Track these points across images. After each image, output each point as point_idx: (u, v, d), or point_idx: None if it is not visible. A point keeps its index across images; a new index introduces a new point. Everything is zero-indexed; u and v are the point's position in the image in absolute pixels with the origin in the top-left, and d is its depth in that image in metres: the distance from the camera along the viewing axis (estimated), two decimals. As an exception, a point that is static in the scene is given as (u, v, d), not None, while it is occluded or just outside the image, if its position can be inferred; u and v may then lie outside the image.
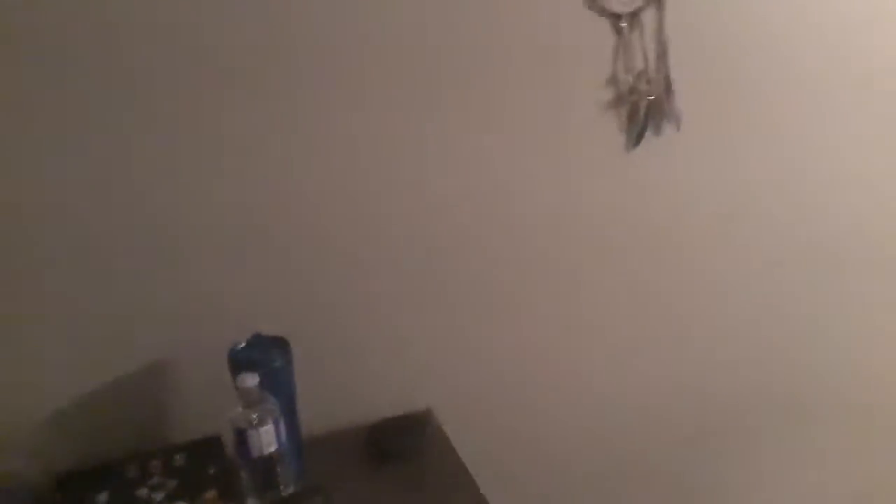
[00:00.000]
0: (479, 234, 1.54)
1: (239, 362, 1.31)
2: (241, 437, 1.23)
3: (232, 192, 1.39)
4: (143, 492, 1.28)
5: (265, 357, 1.32)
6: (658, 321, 1.71)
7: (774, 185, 1.71)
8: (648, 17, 1.49)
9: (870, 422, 1.93)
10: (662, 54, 1.51)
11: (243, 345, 1.35)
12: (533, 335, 1.64)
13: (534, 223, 1.57)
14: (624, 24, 1.46)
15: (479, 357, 1.62)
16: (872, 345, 1.89)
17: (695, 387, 1.77)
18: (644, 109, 1.52)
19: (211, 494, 1.28)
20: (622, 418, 1.74)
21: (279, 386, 1.31)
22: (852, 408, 1.91)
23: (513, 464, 1.63)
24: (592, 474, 1.74)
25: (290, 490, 1.27)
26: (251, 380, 1.24)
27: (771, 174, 1.70)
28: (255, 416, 1.23)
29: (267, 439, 1.24)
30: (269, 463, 1.25)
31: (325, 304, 1.51)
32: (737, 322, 1.77)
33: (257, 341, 1.36)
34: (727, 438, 1.83)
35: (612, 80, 1.50)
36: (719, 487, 1.85)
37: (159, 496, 1.27)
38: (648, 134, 1.55)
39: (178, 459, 1.35)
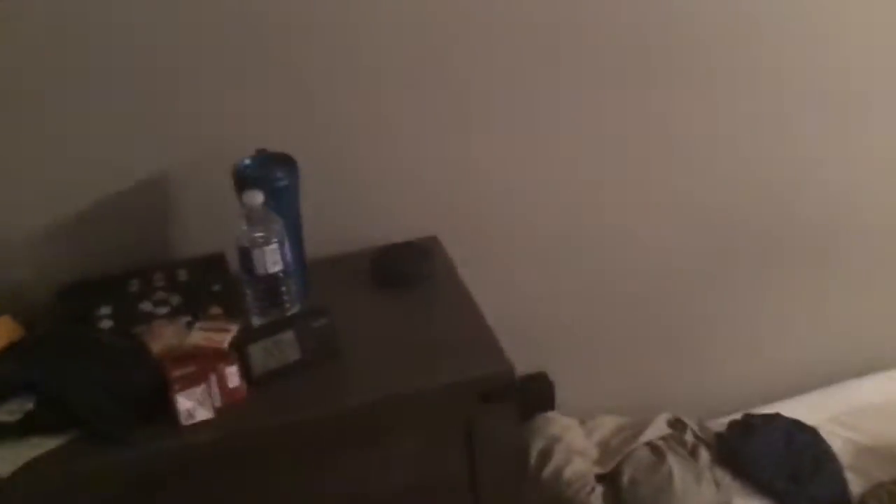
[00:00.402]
0: (488, 54, 1.45)
1: (244, 179, 1.25)
2: (246, 255, 1.20)
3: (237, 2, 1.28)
4: (146, 305, 1.27)
5: (271, 174, 1.26)
6: (673, 144, 1.64)
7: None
8: None
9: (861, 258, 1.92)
10: None
11: (248, 161, 1.28)
12: (541, 162, 1.58)
13: (541, 37, 1.46)
14: None
15: (487, 187, 1.56)
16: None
17: (703, 218, 1.73)
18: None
19: (215, 310, 1.26)
20: (631, 250, 1.72)
21: (285, 205, 1.26)
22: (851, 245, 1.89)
23: (516, 295, 1.62)
24: (600, 303, 1.74)
25: (294, 310, 1.25)
26: (257, 197, 1.18)
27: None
28: (260, 235, 1.19)
29: (272, 258, 1.21)
30: (273, 282, 1.22)
31: (331, 125, 1.43)
32: (753, 149, 1.71)
33: (263, 158, 1.29)
34: (726, 269, 1.83)
35: None
36: (715, 317, 1.86)
37: (163, 310, 1.26)
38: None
39: (181, 275, 1.33)
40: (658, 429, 1.64)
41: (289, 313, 1.25)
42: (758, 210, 1.76)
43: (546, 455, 1.57)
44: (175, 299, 1.28)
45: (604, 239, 1.69)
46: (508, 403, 1.13)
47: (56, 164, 1.33)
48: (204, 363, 1.08)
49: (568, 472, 1.54)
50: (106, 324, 1.23)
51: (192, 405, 1.05)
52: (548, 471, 1.55)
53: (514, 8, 1.43)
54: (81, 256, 1.38)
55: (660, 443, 1.61)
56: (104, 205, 1.37)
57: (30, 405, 1.04)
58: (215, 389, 1.07)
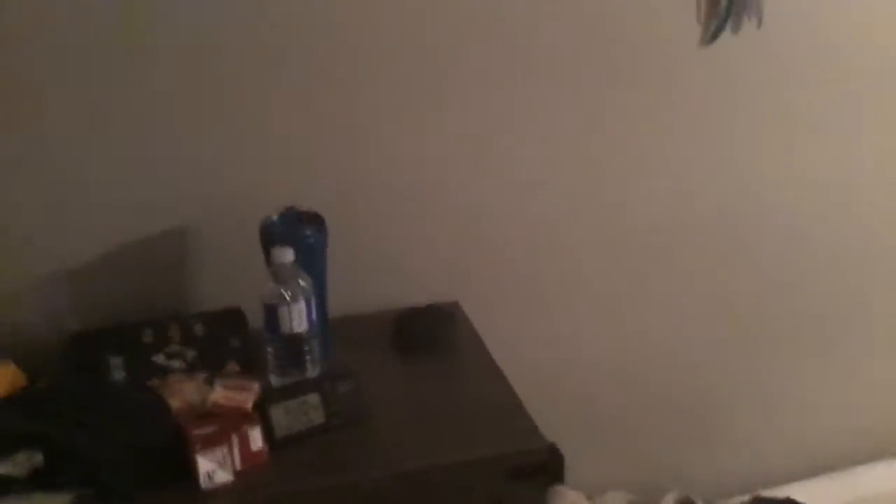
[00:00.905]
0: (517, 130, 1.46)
1: (272, 235, 1.22)
2: (272, 312, 1.17)
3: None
4: (160, 358, 1.22)
5: (300, 232, 1.23)
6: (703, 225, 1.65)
7: (862, 94, 1.61)
8: None
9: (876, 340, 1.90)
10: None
11: (277, 217, 1.26)
12: (560, 232, 1.57)
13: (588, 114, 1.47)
14: None
15: (508, 254, 1.55)
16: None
17: (716, 299, 1.72)
18: (726, 1, 1.39)
19: (232, 367, 1.22)
20: (646, 326, 1.70)
21: (312, 263, 1.23)
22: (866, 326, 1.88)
23: (528, 365, 1.59)
24: (620, 371, 1.71)
25: (315, 371, 1.21)
26: (287, 255, 1.16)
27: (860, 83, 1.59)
28: (287, 293, 1.16)
29: (298, 317, 1.17)
30: (297, 341, 1.18)
31: (357, 186, 1.42)
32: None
33: (291, 215, 1.27)
34: (741, 347, 1.80)
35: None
36: (728, 395, 1.84)
37: (178, 364, 1.21)
38: (727, 29, 1.42)
39: (197, 328, 1.28)
40: (667, 508, 1.60)
41: (309, 374, 1.21)
42: (771, 292, 1.76)
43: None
44: (191, 353, 1.23)
45: (618, 314, 1.67)
46: (539, 481, 1.08)
47: (71, 210, 1.29)
48: (225, 423, 1.03)
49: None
50: (118, 375, 1.18)
51: (213, 467, 0.99)
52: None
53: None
54: (93, 304, 1.33)
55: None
56: (118, 253, 1.33)
57: (38, 458, 0.98)
58: (236, 451, 1.02)
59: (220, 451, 1.00)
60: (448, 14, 1.35)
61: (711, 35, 1.43)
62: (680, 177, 1.59)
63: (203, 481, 0.99)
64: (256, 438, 1.04)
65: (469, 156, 1.46)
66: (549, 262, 1.58)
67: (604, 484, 1.70)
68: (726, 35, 1.44)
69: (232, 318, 1.31)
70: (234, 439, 1.02)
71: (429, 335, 1.35)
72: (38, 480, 0.97)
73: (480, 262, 1.53)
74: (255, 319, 1.26)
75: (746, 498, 1.70)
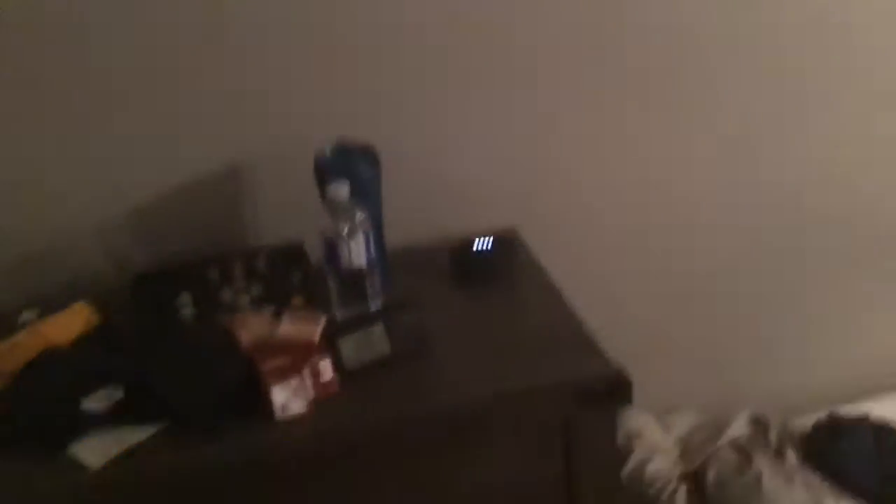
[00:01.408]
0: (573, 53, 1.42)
1: (326, 169, 1.22)
2: (331, 247, 1.17)
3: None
4: (226, 294, 1.24)
5: (354, 166, 1.23)
6: (758, 122, 1.59)
7: None
8: None
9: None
10: None
11: (330, 151, 1.25)
12: (616, 157, 1.54)
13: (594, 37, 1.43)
14: None
15: (566, 179, 1.53)
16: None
17: (792, 203, 1.67)
18: None
19: (298, 301, 1.23)
20: (712, 241, 1.66)
21: (367, 197, 1.22)
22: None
23: (591, 288, 1.57)
24: (686, 291, 1.69)
25: (377, 303, 1.22)
26: (343, 190, 1.15)
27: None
28: (346, 228, 1.16)
29: (356, 251, 1.18)
30: (358, 275, 1.19)
31: (412, 115, 1.40)
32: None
33: (344, 148, 1.26)
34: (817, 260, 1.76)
35: None
36: (802, 308, 1.80)
37: (244, 300, 1.23)
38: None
39: (261, 264, 1.30)
40: (740, 427, 1.60)
41: (372, 306, 1.22)
42: (842, 203, 1.69)
43: (625, 452, 1.52)
44: (256, 289, 1.25)
45: (683, 231, 1.63)
46: (608, 405, 1.09)
47: (134, 154, 1.31)
48: (296, 356, 1.05)
49: (650, 470, 1.50)
50: (187, 312, 1.21)
51: (287, 398, 1.02)
52: (628, 467, 1.51)
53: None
54: (158, 244, 1.37)
55: (744, 442, 1.56)
56: (181, 193, 1.35)
57: (119, 394, 1.01)
58: (308, 383, 1.04)
59: (293, 383, 1.02)
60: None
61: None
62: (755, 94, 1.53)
63: (278, 412, 1.02)
64: (327, 370, 1.06)
65: (526, 79, 1.42)
66: (609, 184, 1.55)
67: (673, 404, 1.69)
68: None
69: (294, 253, 1.32)
70: (306, 371, 1.04)
71: (489, 264, 1.34)
72: (120, 415, 1.02)
73: (539, 188, 1.51)
74: (316, 253, 1.27)
75: (822, 415, 1.68)
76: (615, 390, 1.07)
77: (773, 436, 1.61)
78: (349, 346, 1.09)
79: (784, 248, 1.70)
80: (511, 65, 1.41)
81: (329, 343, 1.09)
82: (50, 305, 1.21)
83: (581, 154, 1.51)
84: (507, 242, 1.39)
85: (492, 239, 1.38)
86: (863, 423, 1.63)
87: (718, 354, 1.76)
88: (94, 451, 0.99)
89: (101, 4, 1.21)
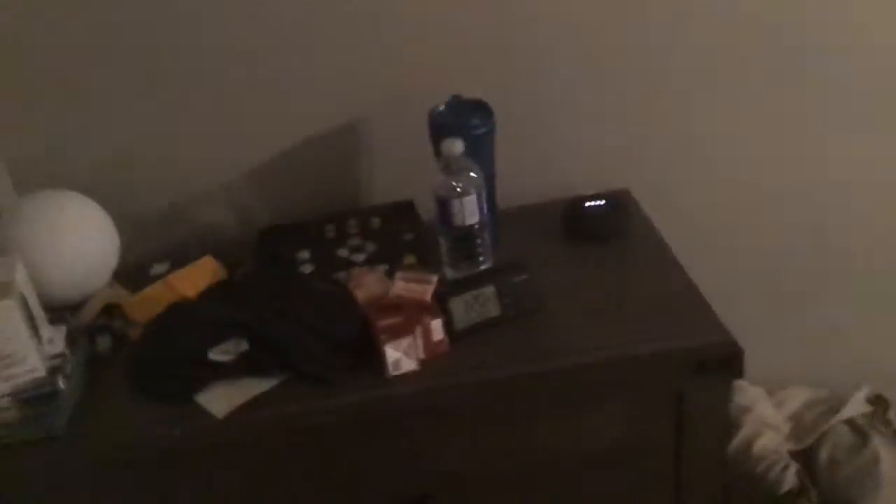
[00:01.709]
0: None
1: (441, 126, 1.22)
2: (444, 205, 1.17)
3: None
4: (343, 251, 1.28)
5: (468, 122, 1.22)
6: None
7: None
8: None
9: None
10: None
11: (444, 108, 1.25)
12: (730, 119, 1.46)
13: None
14: None
15: (679, 139, 1.46)
16: None
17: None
18: None
19: (410, 260, 1.25)
20: (826, 204, 1.56)
21: (480, 154, 1.22)
22: None
23: (703, 254, 1.52)
24: (803, 259, 1.59)
25: (487, 263, 1.22)
26: (457, 146, 1.15)
27: None
28: (459, 185, 1.16)
29: (469, 209, 1.17)
30: (469, 233, 1.19)
31: (525, 71, 1.37)
32: None
33: (458, 105, 1.25)
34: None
35: None
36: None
37: (360, 257, 1.26)
38: None
39: (374, 222, 1.33)
40: (857, 405, 1.51)
41: (482, 266, 1.22)
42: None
43: (734, 426, 1.48)
44: (370, 246, 1.28)
45: (797, 196, 1.54)
46: (725, 376, 1.06)
47: (252, 111, 1.34)
48: (409, 314, 1.07)
49: (758, 446, 1.45)
50: (307, 268, 1.25)
51: (399, 356, 1.04)
52: (736, 442, 1.47)
53: None
54: (278, 201, 1.41)
55: (861, 421, 1.48)
56: (297, 151, 1.38)
57: (244, 346, 1.07)
58: (420, 342, 1.06)
59: (406, 341, 1.05)
60: None
61: None
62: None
63: (391, 369, 1.05)
64: (438, 329, 1.08)
65: (634, 38, 1.37)
66: (722, 150, 1.48)
67: (785, 378, 1.62)
68: None
69: (405, 212, 1.35)
70: (418, 330, 1.06)
71: (601, 224, 1.32)
72: (245, 366, 1.07)
73: (651, 148, 1.46)
74: (427, 211, 1.29)
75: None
76: (728, 361, 1.03)
77: (892, 416, 1.51)
78: (460, 307, 1.10)
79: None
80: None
81: (440, 303, 1.10)
82: (180, 258, 1.29)
83: (705, 126, 1.45)
84: (619, 202, 1.35)
85: (605, 199, 1.35)
86: None
87: (837, 325, 1.66)
88: (219, 400, 1.05)
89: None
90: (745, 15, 1.37)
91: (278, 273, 1.22)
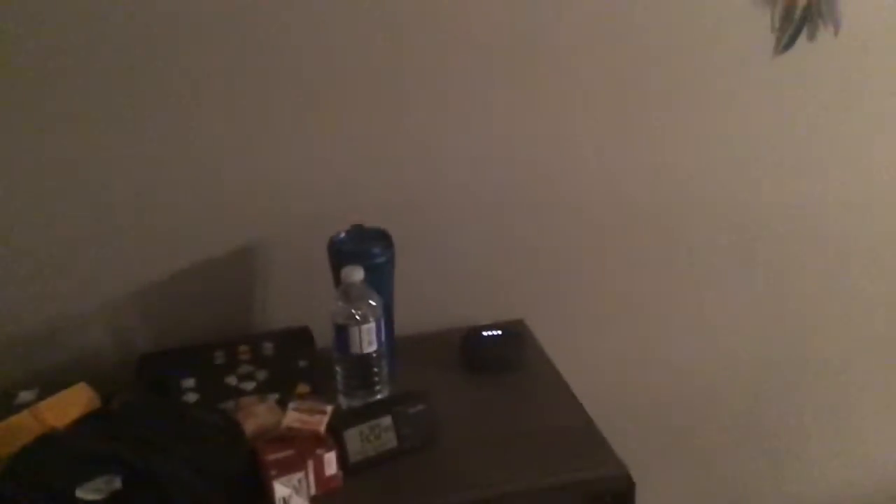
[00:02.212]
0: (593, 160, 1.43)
1: (341, 254, 1.21)
2: (342, 333, 1.15)
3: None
4: (232, 379, 1.22)
5: (368, 250, 1.22)
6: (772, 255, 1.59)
7: None
8: None
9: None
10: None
11: (344, 235, 1.25)
12: (626, 251, 1.53)
13: (662, 129, 1.43)
14: None
15: (573, 272, 1.52)
16: None
17: (805, 316, 1.67)
18: (801, 9, 1.34)
19: (303, 389, 1.21)
20: (721, 339, 1.65)
21: (380, 282, 1.21)
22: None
23: (594, 386, 1.56)
24: (687, 393, 1.67)
25: (384, 392, 1.20)
26: (357, 273, 1.15)
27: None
28: (358, 313, 1.14)
29: (368, 337, 1.16)
30: (367, 362, 1.17)
31: (424, 203, 1.40)
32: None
33: (358, 233, 1.26)
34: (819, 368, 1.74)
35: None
36: (805, 418, 1.77)
37: (250, 385, 1.20)
38: (802, 36, 1.37)
39: (267, 348, 1.28)
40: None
41: (379, 395, 1.19)
42: (847, 312, 1.69)
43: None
44: (261, 374, 1.23)
45: (686, 334, 1.63)
46: (616, 507, 1.05)
47: (137, 232, 1.30)
48: (301, 447, 1.02)
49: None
50: (191, 397, 1.18)
51: (289, 493, 0.98)
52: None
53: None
54: (162, 325, 1.35)
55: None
56: (186, 273, 1.34)
57: (117, 484, 0.97)
58: (311, 477, 1.01)
59: (296, 476, 0.99)
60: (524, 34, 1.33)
61: (786, 43, 1.39)
62: (752, 189, 1.54)
63: (280, 507, 0.98)
64: (331, 463, 1.03)
65: (533, 175, 1.43)
66: (614, 280, 1.55)
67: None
68: (802, 42, 1.39)
69: (300, 338, 1.31)
70: (310, 464, 1.00)
71: (497, 354, 1.32)
72: (116, 505, 0.98)
73: (546, 280, 1.51)
74: (322, 339, 1.26)
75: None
76: (623, 495, 1.03)
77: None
78: (355, 439, 1.06)
79: (790, 357, 1.70)
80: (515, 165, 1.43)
81: (334, 435, 1.06)
82: (50, 384, 1.18)
83: (583, 248, 1.51)
84: (515, 333, 1.37)
85: (501, 329, 1.37)
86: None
87: (724, 460, 1.73)
88: (86, 543, 0.95)
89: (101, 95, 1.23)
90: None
91: (159, 402, 1.14)
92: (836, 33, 1.39)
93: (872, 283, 1.67)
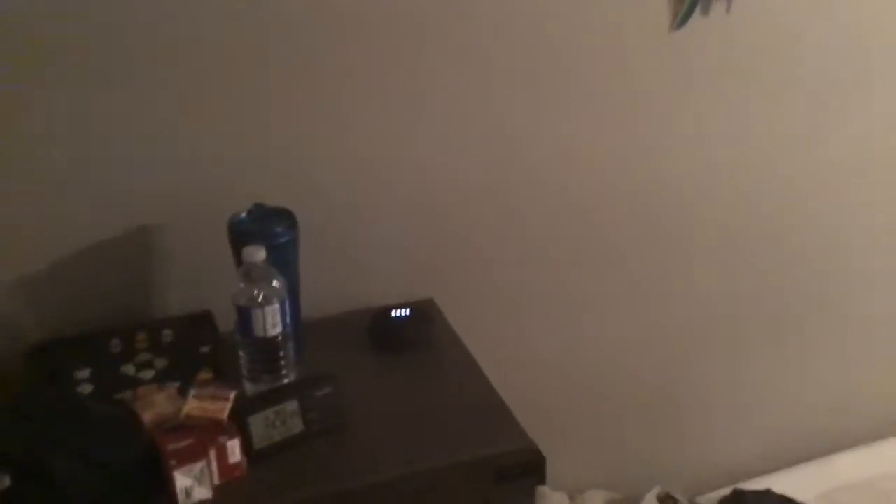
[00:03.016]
0: (492, 123, 1.43)
1: (242, 234, 1.18)
2: (244, 315, 1.12)
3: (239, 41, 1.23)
4: (129, 369, 1.17)
5: (270, 230, 1.19)
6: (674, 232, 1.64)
7: (832, 81, 1.60)
8: None
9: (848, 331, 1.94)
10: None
11: (245, 215, 1.21)
12: (534, 229, 1.54)
13: (562, 103, 1.44)
14: None
15: (481, 251, 1.52)
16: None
17: (692, 286, 1.73)
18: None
19: (205, 375, 1.17)
20: (619, 319, 1.69)
21: (284, 263, 1.18)
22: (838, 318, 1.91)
23: (505, 363, 1.57)
24: (594, 368, 1.70)
25: (290, 375, 1.17)
26: (259, 253, 1.11)
27: (829, 64, 1.58)
28: (260, 294, 1.11)
29: (272, 320, 1.13)
30: (271, 345, 1.14)
31: (326, 182, 1.37)
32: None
33: (260, 212, 1.22)
34: (716, 343, 1.81)
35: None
36: (704, 390, 1.84)
37: (148, 374, 1.16)
38: (696, 13, 1.41)
39: (167, 335, 1.24)
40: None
41: (284, 380, 1.17)
42: (745, 283, 1.76)
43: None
44: (161, 362, 1.19)
45: (591, 311, 1.66)
46: (529, 482, 1.06)
47: (26, 211, 1.22)
48: (202, 436, 0.99)
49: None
50: (85, 388, 1.13)
51: (191, 483, 0.95)
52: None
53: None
54: (54, 312, 1.27)
55: (655, 517, 1.57)
56: (78, 256, 1.27)
57: (6, 482, 0.92)
58: (214, 465, 0.98)
59: (198, 466, 0.96)
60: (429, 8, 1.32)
61: (681, 19, 1.42)
62: (651, 165, 1.57)
63: (181, 498, 0.95)
64: (235, 451, 1.00)
65: (441, 151, 1.42)
66: (522, 259, 1.56)
67: (584, 483, 1.71)
68: (696, 18, 1.42)
69: (201, 323, 1.27)
70: (212, 453, 0.98)
71: (405, 334, 1.32)
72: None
73: (454, 259, 1.50)
74: (225, 323, 1.22)
75: (727, 491, 1.72)
76: (531, 468, 1.05)
77: (680, 510, 1.62)
78: (260, 425, 1.04)
79: (690, 329, 1.75)
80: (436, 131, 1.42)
81: (238, 421, 1.03)
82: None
83: (490, 226, 1.51)
84: (423, 312, 1.37)
85: (409, 308, 1.36)
86: (765, 498, 1.68)
87: (629, 431, 1.79)
88: (-30, 547, 0.90)
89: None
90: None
91: (49, 395, 1.08)
92: (727, 10, 1.43)
93: (771, 259, 1.75)
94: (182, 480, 0.95)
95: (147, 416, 1.04)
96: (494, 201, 1.49)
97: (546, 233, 1.55)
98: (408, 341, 1.31)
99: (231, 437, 1.00)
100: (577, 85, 1.45)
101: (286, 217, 1.23)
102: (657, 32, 1.44)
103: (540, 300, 1.60)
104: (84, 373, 1.15)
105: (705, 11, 1.43)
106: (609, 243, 1.61)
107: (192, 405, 1.05)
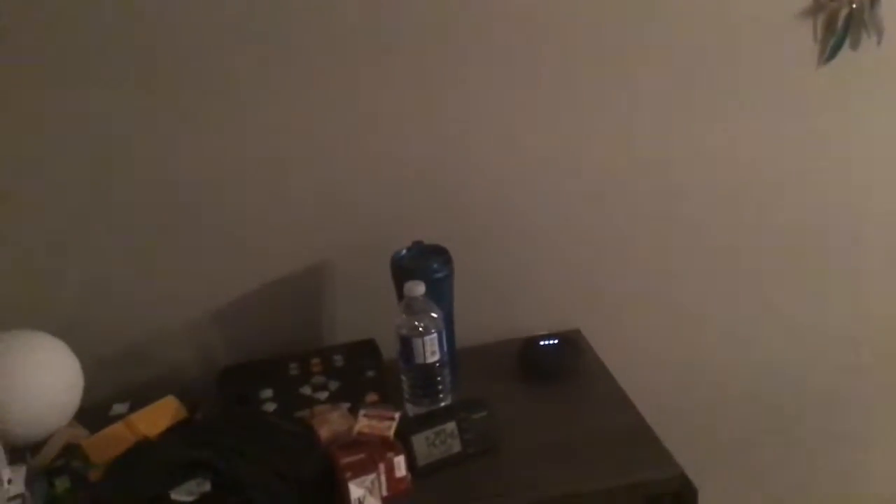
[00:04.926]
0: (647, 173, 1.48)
1: (403, 269, 1.29)
2: (406, 344, 1.23)
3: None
4: (306, 390, 1.30)
5: (429, 266, 1.29)
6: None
7: None
8: None
9: None
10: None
11: (405, 252, 1.33)
12: (680, 259, 1.57)
13: (706, 152, 1.48)
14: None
15: (628, 282, 1.57)
16: None
17: (869, 322, 1.68)
18: (844, 18, 1.37)
19: (372, 397, 1.29)
20: (780, 344, 1.67)
21: (440, 296, 1.28)
22: None
23: (652, 394, 1.60)
24: (744, 400, 1.69)
25: (447, 400, 1.26)
26: (419, 288, 1.22)
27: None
28: (420, 325, 1.22)
29: (430, 348, 1.23)
30: (430, 371, 1.24)
31: (482, 219, 1.47)
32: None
33: (419, 249, 1.33)
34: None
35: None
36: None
37: (323, 395, 1.29)
38: (845, 46, 1.40)
39: (337, 360, 1.37)
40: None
41: (442, 403, 1.26)
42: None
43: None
44: (333, 384, 1.32)
45: (741, 340, 1.65)
46: (677, 508, 1.09)
47: (215, 254, 1.39)
48: (372, 451, 1.09)
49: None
50: (269, 406, 1.27)
51: (363, 493, 1.06)
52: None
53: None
54: (239, 340, 1.44)
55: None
56: (261, 291, 1.43)
57: (206, 487, 1.06)
58: (383, 478, 1.08)
59: (369, 478, 1.06)
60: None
61: (829, 53, 1.41)
62: (809, 195, 1.56)
63: (355, 507, 1.06)
64: (401, 465, 1.09)
65: (587, 185, 1.49)
66: (670, 288, 1.59)
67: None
68: (845, 52, 1.42)
69: (367, 350, 1.39)
70: (381, 466, 1.08)
71: (554, 363, 1.38)
72: (206, 506, 1.07)
73: (600, 291, 1.56)
74: (385, 350, 1.35)
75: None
76: (681, 496, 1.07)
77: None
78: (422, 443, 1.13)
79: (848, 363, 1.70)
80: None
81: (402, 440, 1.13)
82: (140, 398, 1.29)
83: (638, 258, 1.56)
84: (571, 341, 1.43)
85: (557, 338, 1.42)
86: None
87: (776, 466, 1.74)
88: (181, 541, 1.04)
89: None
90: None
91: (240, 412, 1.24)
92: (878, 42, 1.41)
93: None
94: (356, 491, 1.05)
95: (323, 433, 1.16)
96: (641, 235, 1.53)
97: (693, 265, 1.57)
98: (556, 369, 1.37)
99: (397, 453, 1.10)
100: (726, 123, 1.48)
101: (442, 254, 1.33)
102: (806, 66, 1.45)
103: (688, 329, 1.62)
104: (268, 393, 1.29)
105: (854, 46, 1.43)
106: (757, 273, 1.60)
107: (363, 423, 1.16)
